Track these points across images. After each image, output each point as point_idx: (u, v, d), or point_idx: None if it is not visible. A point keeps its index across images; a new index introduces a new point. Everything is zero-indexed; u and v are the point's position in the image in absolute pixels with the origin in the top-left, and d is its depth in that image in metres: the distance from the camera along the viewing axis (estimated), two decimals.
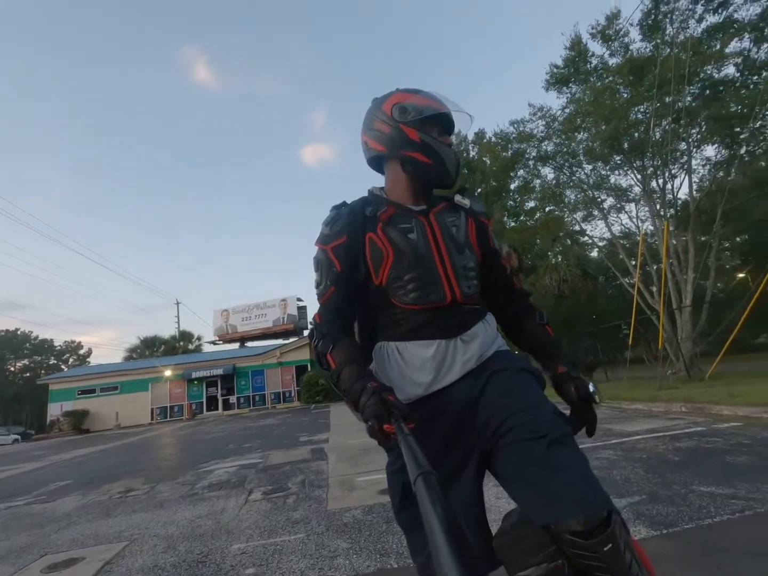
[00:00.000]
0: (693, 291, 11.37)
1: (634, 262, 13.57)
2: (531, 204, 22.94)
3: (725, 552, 1.95)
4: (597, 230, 28.90)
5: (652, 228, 13.75)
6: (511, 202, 24.38)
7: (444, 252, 1.06)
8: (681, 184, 12.58)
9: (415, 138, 1.09)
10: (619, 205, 14.66)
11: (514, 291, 1.20)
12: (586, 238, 18.47)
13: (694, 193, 11.97)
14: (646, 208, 13.24)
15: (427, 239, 1.07)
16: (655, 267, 13.47)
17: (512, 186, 23.76)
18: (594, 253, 19.47)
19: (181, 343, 43.05)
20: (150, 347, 43.12)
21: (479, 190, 26.52)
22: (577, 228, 16.42)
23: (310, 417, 14.18)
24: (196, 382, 26.62)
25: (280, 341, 32.11)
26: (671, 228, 12.53)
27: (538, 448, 0.83)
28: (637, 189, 13.30)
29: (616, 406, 7.33)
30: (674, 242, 12.15)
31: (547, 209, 16.48)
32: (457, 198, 1.15)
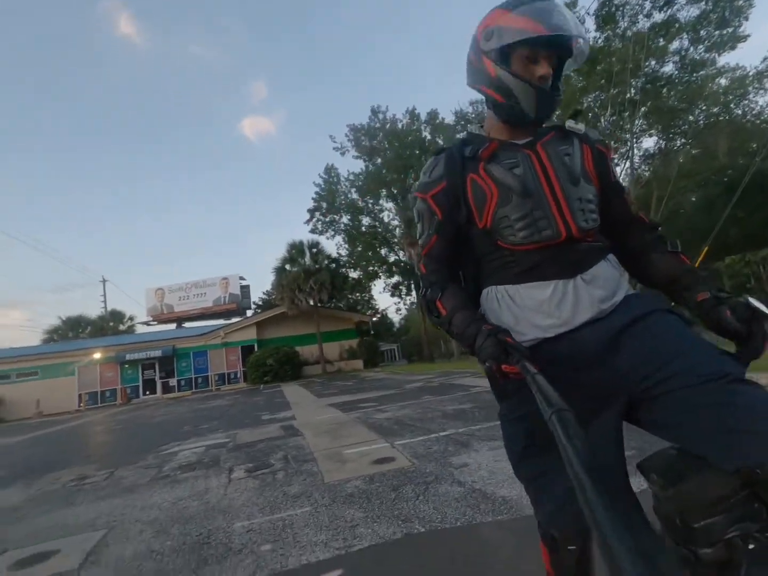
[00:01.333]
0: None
1: None
2: None
3: None
4: None
5: None
6: None
7: (555, 184, 0.96)
8: (621, 173, 13.46)
9: (491, 71, 0.99)
10: None
11: (639, 225, 1.09)
12: None
13: (629, 183, 12.96)
14: None
15: (536, 172, 0.97)
16: None
17: None
18: None
19: (111, 324, 39.77)
20: (74, 328, 39.38)
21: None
22: None
23: (263, 396, 13.78)
24: (129, 365, 24.81)
25: (221, 321, 30.83)
26: None
27: (718, 389, 0.75)
28: None
29: None
30: None
31: None
32: (569, 124, 1.04)
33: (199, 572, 2.01)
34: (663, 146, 12.73)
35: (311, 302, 24.18)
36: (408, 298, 35.94)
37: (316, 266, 25.04)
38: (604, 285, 0.97)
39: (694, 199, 17.51)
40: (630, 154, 12.94)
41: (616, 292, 0.98)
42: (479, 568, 1.75)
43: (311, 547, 2.12)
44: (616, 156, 13.43)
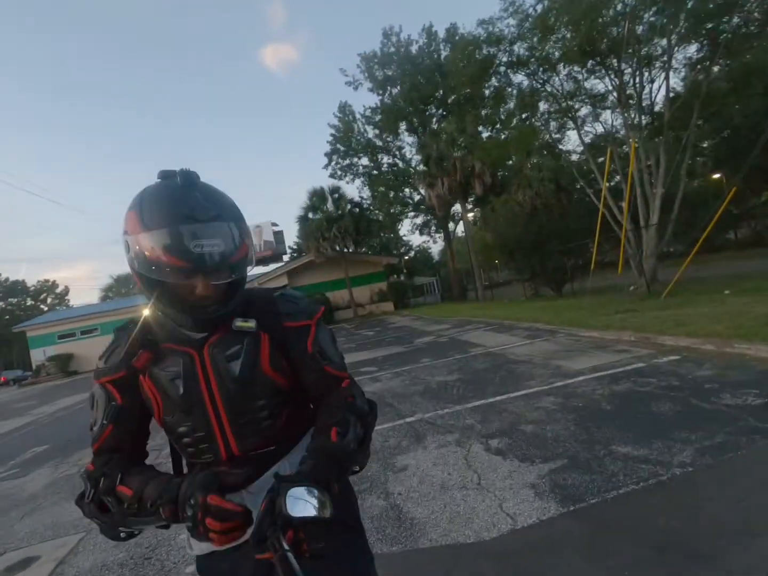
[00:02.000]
0: (660, 207, 11.31)
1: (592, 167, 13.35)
2: (505, 112, 21.64)
3: (616, 530, 2.11)
4: (571, 143, 27.73)
5: (624, 138, 13.19)
6: (485, 111, 22.95)
7: (218, 399, 0.90)
8: (659, 88, 11.74)
9: (138, 284, 0.92)
10: (594, 114, 13.87)
11: (334, 402, 0.97)
12: (559, 150, 17.76)
13: (671, 94, 11.34)
14: (621, 118, 12.56)
15: (199, 385, 0.89)
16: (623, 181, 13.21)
17: (486, 93, 22.15)
18: (567, 165, 18.91)
19: None
20: (125, 285, 42.47)
21: (452, 98, 24.76)
22: (549, 139, 15.65)
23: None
24: None
25: (259, 269, 32.07)
26: (645, 138, 12.06)
27: None
28: (613, 96, 12.46)
29: (574, 333, 7.64)
30: (645, 156, 11.77)
31: (524, 116, 15.51)
32: (237, 324, 0.91)
33: None
34: (708, 52, 10.86)
35: (336, 249, 24.37)
36: (437, 235, 35.35)
37: (339, 212, 24.81)
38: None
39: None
40: (667, 65, 11.16)
41: None
42: None
43: None
44: (656, 69, 11.66)
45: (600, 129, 14.57)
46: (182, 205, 0.80)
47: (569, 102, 12.81)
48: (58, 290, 59.22)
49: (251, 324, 0.91)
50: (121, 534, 0.89)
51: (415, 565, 2.18)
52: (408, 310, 24.92)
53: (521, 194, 17.13)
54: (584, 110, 13.78)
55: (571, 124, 13.90)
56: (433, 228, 34.06)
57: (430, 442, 3.68)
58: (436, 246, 50.65)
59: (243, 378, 0.90)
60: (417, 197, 28.98)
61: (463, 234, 35.88)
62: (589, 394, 4.18)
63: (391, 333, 13.96)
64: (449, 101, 25.03)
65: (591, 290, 12.87)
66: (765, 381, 3.69)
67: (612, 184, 15.98)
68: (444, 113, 25.45)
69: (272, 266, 30.37)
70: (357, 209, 26.49)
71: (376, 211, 29.28)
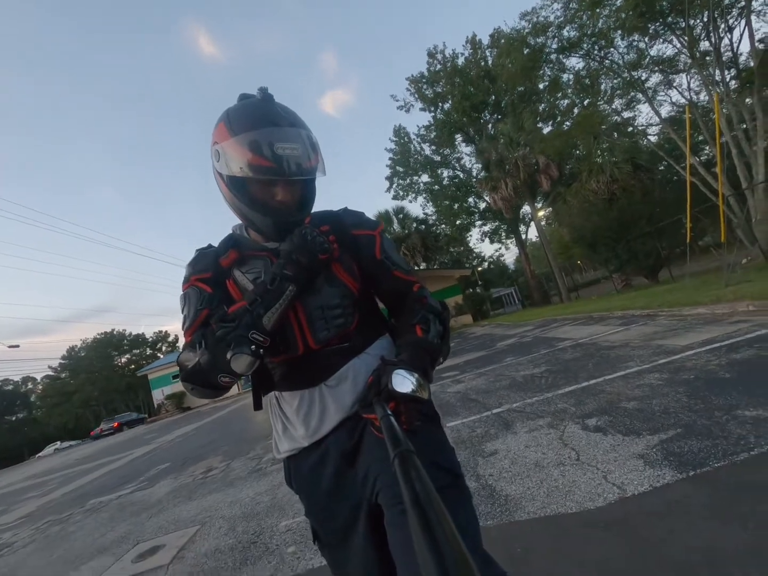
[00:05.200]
0: (766, 163, 9.83)
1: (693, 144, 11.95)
2: (565, 102, 20.65)
3: (751, 491, 1.79)
4: (644, 116, 25.40)
5: (706, 99, 11.80)
6: (543, 105, 22.12)
7: None
8: (741, 36, 10.40)
9: (225, 193, 1.01)
10: (666, 81, 12.65)
11: (411, 303, 1.02)
12: (632, 128, 16.39)
13: (756, 43, 9.95)
14: (699, 78, 11.29)
15: None
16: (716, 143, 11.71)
17: (540, 86, 21.43)
18: (645, 142, 17.30)
19: None
20: None
21: (505, 100, 24.29)
22: (617, 119, 14.53)
23: None
24: None
25: None
26: (733, 92, 10.69)
27: (397, 519, 0.76)
28: (684, 57, 11.30)
29: (676, 314, 6.80)
30: (736, 111, 10.38)
31: (586, 102, 14.65)
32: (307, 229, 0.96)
33: (237, 572, 2.46)
34: None
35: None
36: (508, 241, 34.13)
37: (405, 231, 25.21)
38: (353, 386, 0.96)
39: None
40: (747, 10, 9.89)
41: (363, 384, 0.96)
42: None
43: None
44: (733, 18, 10.37)
45: (677, 97, 13.21)
46: (265, 113, 0.90)
47: (633, 73, 11.84)
48: (170, 338, 67.12)
49: (324, 229, 0.98)
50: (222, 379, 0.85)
51: (517, 535, 2.04)
52: (488, 320, 24.11)
53: (594, 181, 15.97)
54: (654, 79, 12.63)
55: (640, 97, 12.80)
56: (503, 234, 33.02)
57: (519, 428, 3.47)
58: (509, 255, 48.98)
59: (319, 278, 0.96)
60: (483, 205, 28.46)
61: (537, 238, 34.36)
62: (702, 366, 3.67)
63: (471, 341, 13.58)
64: (502, 104, 24.60)
65: (692, 274, 11.40)
66: None
67: (702, 157, 14.31)
68: (498, 117, 25.00)
69: None
70: (422, 226, 26.72)
71: (442, 226, 29.20)
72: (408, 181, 27.90)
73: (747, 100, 10.12)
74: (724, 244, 7.96)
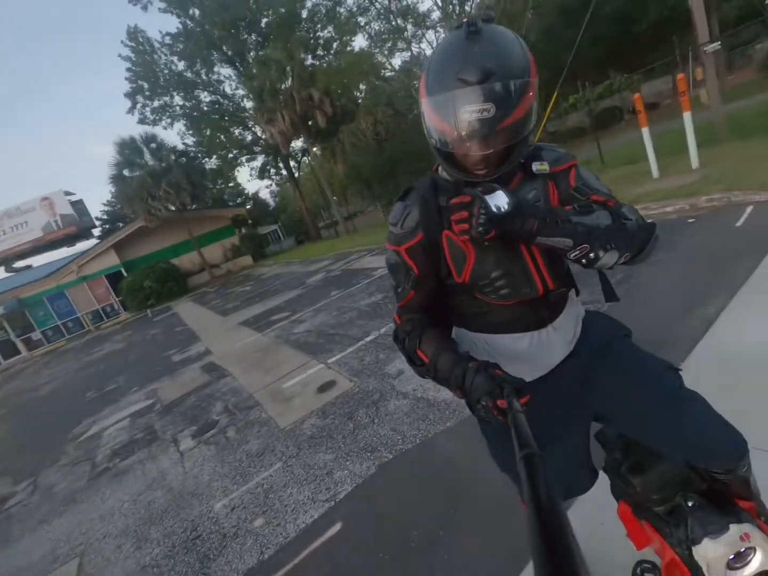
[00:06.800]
0: None
1: None
2: (330, 35, 20.80)
3: None
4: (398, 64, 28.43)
5: None
6: (304, 33, 21.64)
7: None
8: None
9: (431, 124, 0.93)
10: (419, 34, 14.47)
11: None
12: (390, 73, 18.20)
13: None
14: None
15: None
16: None
17: (303, 14, 20.79)
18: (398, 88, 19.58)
19: None
20: None
21: (265, 19, 22.45)
22: (385, 64, 15.88)
23: (158, 327, 12.87)
24: None
25: (70, 250, 26.14)
26: None
27: (670, 406, 0.96)
28: (437, 13, 13.12)
29: None
30: None
31: (352, 41, 15.19)
32: (536, 167, 0.96)
33: (207, 571, 2.15)
34: None
35: (172, 208, 21.30)
36: (277, 177, 33.63)
37: (163, 165, 21.30)
38: (569, 326, 1.07)
39: None
40: None
41: (577, 324, 1.09)
42: (451, 480, 2.17)
43: (301, 507, 2.35)
44: None
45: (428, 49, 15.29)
46: (457, 65, 0.78)
47: (399, 21, 13.01)
48: None
49: (546, 167, 0.95)
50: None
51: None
52: (270, 259, 23.93)
53: (364, 122, 17.31)
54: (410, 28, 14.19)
55: (401, 45, 14.27)
56: (272, 171, 32.23)
57: None
58: (266, 191, 47.71)
59: None
60: (249, 137, 26.60)
61: (304, 173, 34.98)
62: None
63: (270, 282, 13.45)
64: (263, 23, 22.68)
65: None
66: None
67: None
68: (260, 40, 23.03)
69: (81, 245, 25.18)
70: (184, 159, 23.13)
71: (208, 159, 26.05)
72: (159, 102, 22.98)
73: None
74: None
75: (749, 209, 4.24)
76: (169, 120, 23.86)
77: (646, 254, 0.96)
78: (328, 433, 3.01)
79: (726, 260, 3.35)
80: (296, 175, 29.06)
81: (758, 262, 3.09)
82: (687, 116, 5.96)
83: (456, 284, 1.00)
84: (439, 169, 1.00)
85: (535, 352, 1.04)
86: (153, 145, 21.66)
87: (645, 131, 6.35)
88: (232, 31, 21.87)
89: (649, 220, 0.98)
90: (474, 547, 1.74)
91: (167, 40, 22.27)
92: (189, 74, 23.45)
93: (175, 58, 22.74)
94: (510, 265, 0.95)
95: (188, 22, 21.57)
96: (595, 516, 1.61)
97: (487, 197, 0.82)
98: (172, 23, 43.02)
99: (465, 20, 0.81)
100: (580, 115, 18.47)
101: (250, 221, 38.00)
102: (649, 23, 18.43)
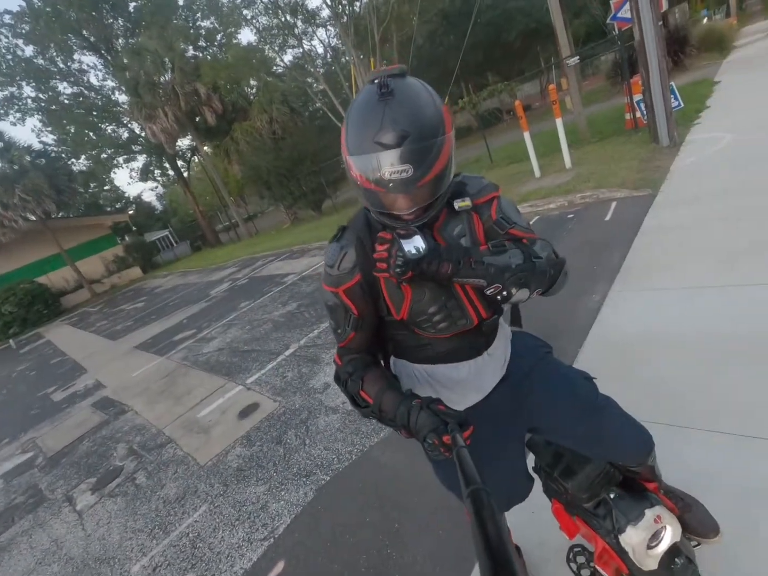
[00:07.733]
0: None
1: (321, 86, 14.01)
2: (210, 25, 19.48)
3: None
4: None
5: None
6: (182, 22, 19.95)
7: None
8: None
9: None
10: (310, 31, 14.20)
11: None
12: (281, 69, 17.62)
13: None
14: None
15: None
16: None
17: (180, 1, 19.19)
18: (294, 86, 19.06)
19: None
20: None
21: (133, 3, 20.13)
22: (277, 60, 15.30)
23: (28, 360, 10.92)
24: None
25: None
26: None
27: (591, 414, 1.09)
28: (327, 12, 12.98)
29: None
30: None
31: (238, 33, 14.34)
32: (457, 205, 0.97)
33: None
34: None
35: (32, 218, 18.18)
36: (163, 179, 30.73)
37: (15, 167, 18.05)
38: (501, 351, 1.14)
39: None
40: None
41: (506, 347, 1.16)
42: (391, 493, 2.19)
43: (236, 551, 2.19)
44: None
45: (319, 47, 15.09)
46: (373, 129, 0.79)
47: (288, 17, 12.62)
48: None
49: (468, 203, 0.97)
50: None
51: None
52: (164, 269, 21.76)
53: (259, 120, 16.49)
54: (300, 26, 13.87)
55: (292, 42, 13.88)
56: (157, 172, 29.31)
57: (329, 359, 3.92)
58: (150, 195, 43.55)
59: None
60: (126, 135, 23.76)
61: (195, 173, 32.38)
62: None
63: (167, 296, 12.24)
64: (131, 9, 20.32)
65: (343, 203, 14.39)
66: None
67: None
68: (129, 26, 20.60)
69: None
70: (43, 160, 19.85)
71: (75, 160, 22.68)
72: (5, 92, 19.24)
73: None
74: None
75: (614, 205, 4.96)
76: (18, 114, 20.22)
77: (557, 288, 1.06)
78: (257, 462, 2.84)
79: (602, 250, 3.88)
80: (186, 175, 26.75)
81: (627, 251, 3.64)
82: (559, 122, 6.76)
83: (395, 321, 1.02)
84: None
85: (473, 379, 1.10)
86: (0, 145, 18.24)
87: (527, 135, 7.06)
88: (93, 13, 19.22)
89: (561, 256, 1.07)
90: (424, 559, 1.78)
91: (7, 19, 18.79)
92: (41, 61, 20.09)
93: (20, 41, 19.29)
94: (445, 300, 0.98)
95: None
96: (527, 506, 1.75)
97: (404, 241, 0.85)
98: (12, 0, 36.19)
99: (377, 81, 0.80)
100: (466, 116, 19.95)
101: (134, 228, 34.19)
102: (517, 33, 20.51)
